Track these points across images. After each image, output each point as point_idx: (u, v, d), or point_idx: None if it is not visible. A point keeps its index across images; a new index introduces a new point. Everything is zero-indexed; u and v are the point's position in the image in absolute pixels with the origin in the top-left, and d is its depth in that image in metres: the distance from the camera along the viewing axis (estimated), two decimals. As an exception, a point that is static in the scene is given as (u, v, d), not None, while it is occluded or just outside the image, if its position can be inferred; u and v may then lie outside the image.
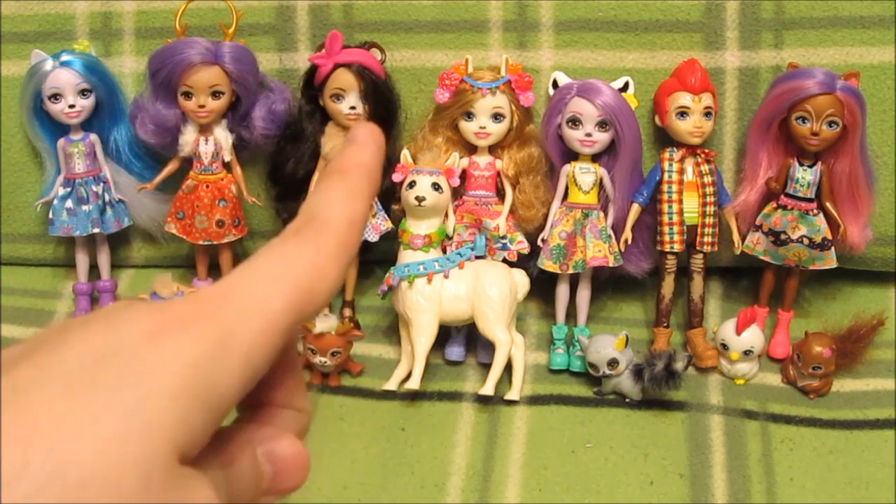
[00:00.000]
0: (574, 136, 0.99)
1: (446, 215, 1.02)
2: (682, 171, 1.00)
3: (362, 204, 0.34)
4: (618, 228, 1.02)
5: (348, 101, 1.00)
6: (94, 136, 1.06)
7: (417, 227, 0.99)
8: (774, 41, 1.02)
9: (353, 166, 0.35)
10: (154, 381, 0.26)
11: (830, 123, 0.94)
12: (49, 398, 0.25)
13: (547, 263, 1.02)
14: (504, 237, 1.03)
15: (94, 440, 0.24)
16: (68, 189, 1.06)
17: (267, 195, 1.09)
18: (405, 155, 1.00)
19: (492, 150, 1.03)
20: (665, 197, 1.01)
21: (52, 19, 1.09)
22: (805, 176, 0.98)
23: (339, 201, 0.33)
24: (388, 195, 1.05)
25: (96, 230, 1.07)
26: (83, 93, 1.03)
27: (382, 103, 1.02)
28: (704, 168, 1.00)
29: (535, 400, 0.97)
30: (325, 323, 0.97)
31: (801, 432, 0.93)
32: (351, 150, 0.36)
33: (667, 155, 1.01)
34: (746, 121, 1.02)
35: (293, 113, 1.05)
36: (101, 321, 0.28)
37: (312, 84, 1.02)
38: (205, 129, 1.03)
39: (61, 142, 1.06)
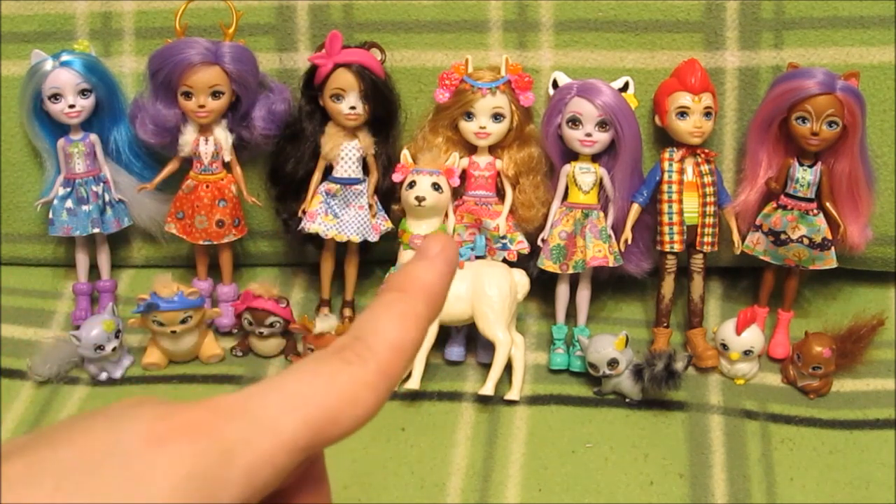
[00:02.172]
0: (574, 136, 0.99)
1: (446, 215, 1.02)
2: (682, 171, 1.00)
3: (416, 331, 0.32)
4: (618, 228, 1.02)
5: (348, 101, 1.00)
6: (94, 136, 1.06)
7: (417, 227, 0.99)
8: (774, 41, 1.02)
9: (414, 287, 0.32)
10: (148, 491, 0.25)
11: (830, 123, 0.94)
12: (37, 496, 0.24)
13: (547, 263, 1.02)
14: (504, 237, 1.03)
15: None
16: (68, 189, 1.06)
17: (267, 195, 1.09)
18: (405, 155, 1.00)
19: (492, 150, 1.03)
20: (665, 197, 1.01)
21: (52, 19, 1.09)
22: (805, 176, 0.98)
23: (389, 324, 0.31)
24: (388, 195, 1.05)
25: (96, 230, 1.07)
26: (83, 93, 1.03)
27: (382, 103, 1.02)
28: (704, 168, 1.00)
29: (535, 400, 0.97)
30: (325, 323, 0.97)
31: (801, 432, 0.93)
32: (416, 267, 0.33)
33: (667, 155, 1.01)
34: (746, 121, 1.02)
35: (293, 113, 1.05)
36: (106, 420, 0.27)
37: (312, 84, 1.02)
38: (205, 129, 1.03)
39: (61, 142, 1.05)
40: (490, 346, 0.98)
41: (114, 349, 1.00)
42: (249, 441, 0.27)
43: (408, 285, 0.32)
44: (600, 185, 1.02)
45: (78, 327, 1.03)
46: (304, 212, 1.04)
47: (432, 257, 0.33)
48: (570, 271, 1.02)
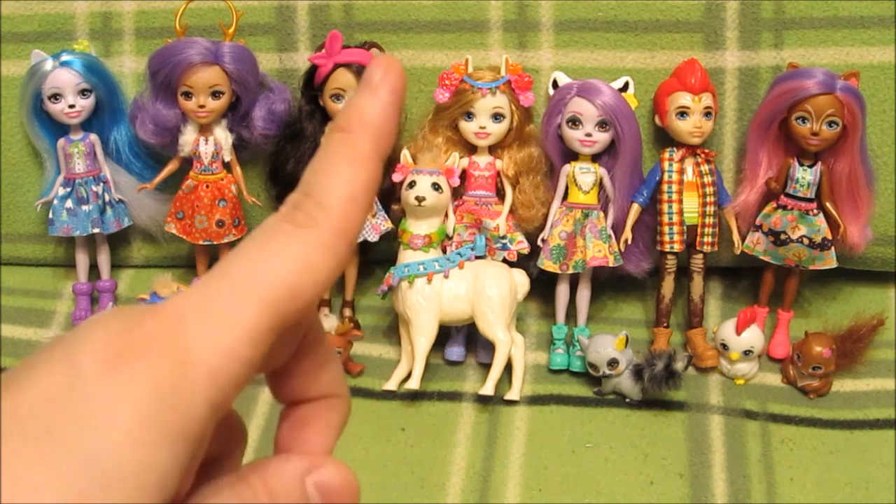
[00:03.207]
0: (574, 136, 0.99)
1: (446, 215, 1.02)
2: (682, 171, 1.00)
3: (367, 174, 0.28)
4: (618, 228, 1.02)
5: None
6: (94, 136, 1.06)
7: (417, 227, 0.99)
8: (774, 41, 1.02)
9: (359, 124, 0.29)
10: (109, 422, 0.23)
11: (830, 123, 0.94)
12: (8, 452, 0.23)
13: (547, 263, 1.02)
14: (504, 237, 1.03)
15: (57, 501, 0.22)
16: (68, 189, 1.06)
17: (267, 195, 1.09)
18: (405, 155, 1.00)
19: (492, 150, 1.03)
20: (665, 197, 1.01)
21: (52, 19, 1.09)
22: (805, 176, 0.98)
23: (338, 174, 0.28)
24: (388, 195, 1.05)
25: (96, 230, 1.07)
26: (83, 93, 1.03)
27: (382, 103, 1.01)
28: (704, 168, 1.00)
29: (535, 400, 0.97)
30: (325, 323, 0.97)
31: (801, 432, 0.93)
32: (358, 101, 0.29)
33: (667, 155, 1.01)
34: (746, 121, 1.02)
35: (293, 113, 1.05)
36: (60, 352, 0.25)
37: (312, 84, 1.02)
38: (205, 129, 1.03)
39: (61, 142, 1.05)
40: (490, 346, 0.98)
41: (114, 349, 0.99)
42: (206, 343, 0.25)
43: (352, 123, 0.29)
44: (600, 185, 1.02)
45: (78, 327, 1.03)
46: (304, 212, 1.04)
47: (374, 86, 0.29)
48: (570, 271, 1.02)
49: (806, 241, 0.99)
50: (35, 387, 0.24)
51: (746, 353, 0.98)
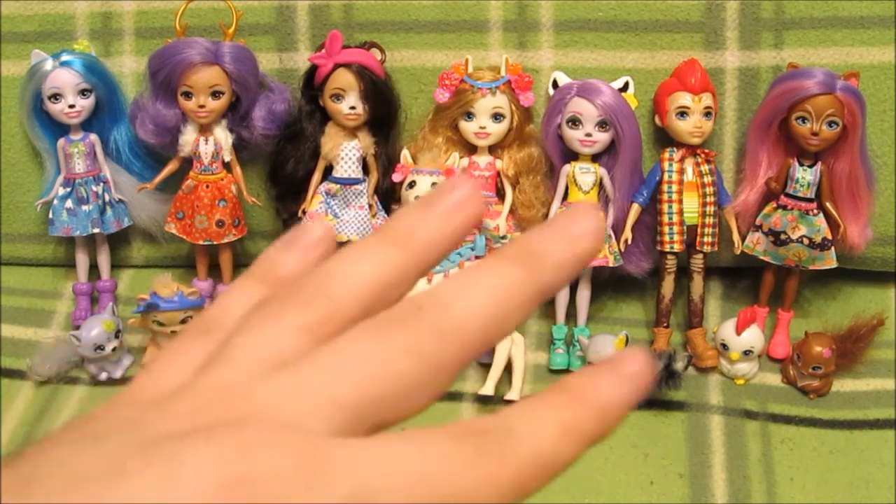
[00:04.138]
0: (574, 136, 0.99)
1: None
2: (682, 171, 1.00)
3: (571, 451, 0.25)
4: (618, 228, 1.02)
5: (348, 101, 1.00)
6: (94, 136, 1.06)
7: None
8: (774, 41, 1.02)
9: (592, 401, 0.25)
10: None
11: (830, 123, 0.94)
12: None
13: (547, 263, 1.01)
14: (504, 237, 1.03)
15: None
16: (68, 189, 1.06)
17: (267, 195, 1.09)
18: (405, 155, 1.00)
19: (492, 150, 1.03)
20: (665, 197, 1.01)
21: (52, 19, 1.09)
22: (805, 176, 0.98)
23: (547, 430, 0.24)
24: (388, 195, 1.05)
25: (96, 230, 1.07)
26: (83, 93, 1.03)
27: (382, 103, 1.02)
28: (704, 168, 1.00)
29: (535, 400, 0.97)
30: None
31: (801, 432, 0.93)
32: (602, 381, 0.25)
33: (667, 155, 1.01)
34: (746, 121, 1.02)
35: (293, 113, 1.05)
36: (161, 457, 0.21)
37: (312, 84, 1.02)
38: (205, 129, 1.03)
39: (61, 142, 1.05)
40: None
41: (114, 349, 1.00)
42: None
43: (585, 396, 0.25)
44: (600, 185, 1.02)
45: (78, 327, 1.03)
46: (304, 212, 1.04)
47: (628, 375, 0.25)
48: (570, 271, 1.02)
49: (806, 241, 0.99)
50: (122, 491, 0.21)
51: (746, 353, 0.98)
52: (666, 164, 1.01)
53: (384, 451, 0.22)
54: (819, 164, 0.98)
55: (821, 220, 0.99)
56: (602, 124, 0.99)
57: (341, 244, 0.28)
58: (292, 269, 0.28)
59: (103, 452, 0.22)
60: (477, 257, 1.00)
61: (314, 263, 0.28)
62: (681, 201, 1.01)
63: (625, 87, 1.00)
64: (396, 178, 1.00)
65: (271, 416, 0.23)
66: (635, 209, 1.01)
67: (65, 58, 1.03)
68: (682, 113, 0.98)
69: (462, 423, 0.24)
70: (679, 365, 0.93)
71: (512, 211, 1.03)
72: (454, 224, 0.27)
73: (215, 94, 1.00)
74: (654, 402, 0.96)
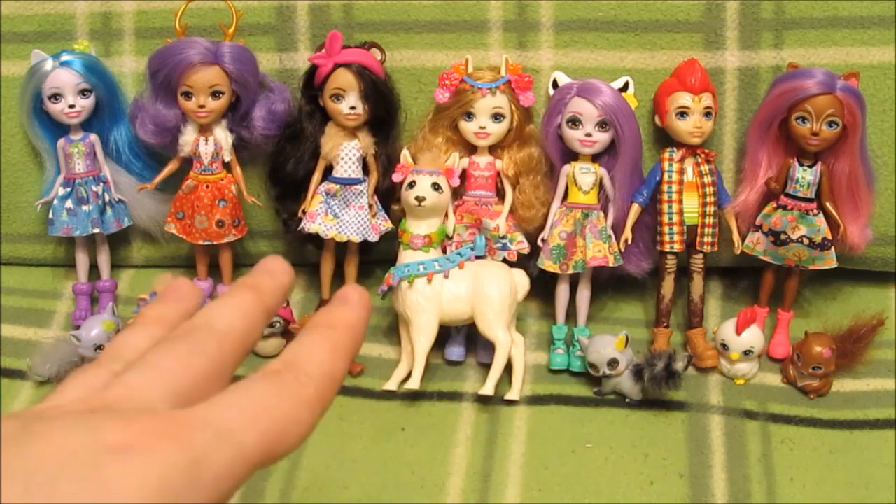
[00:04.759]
0: (574, 136, 0.99)
1: (446, 215, 1.02)
2: (682, 171, 1.00)
3: (344, 362, 0.34)
4: (618, 228, 1.02)
5: (348, 101, 1.00)
6: (94, 136, 1.06)
7: (417, 227, 0.99)
8: (774, 41, 1.02)
9: (341, 324, 0.36)
10: (114, 496, 0.25)
11: (830, 123, 0.94)
12: (8, 495, 0.25)
13: (547, 263, 1.02)
14: (504, 237, 1.03)
15: None
16: (68, 189, 1.06)
17: (267, 195, 1.09)
18: (405, 155, 1.00)
19: (492, 150, 1.03)
20: (665, 197, 1.01)
21: (52, 19, 1.09)
22: (805, 176, 0.98)
23: (324, 354, 0.34)
24: (388, 195, 1.05)
25: (96, 230, 1.07)
26: (83, 93, 1.03)
27: (382, 103, 1.02)
28: (704, 168, 1.00)
29: (535, 400, 0.97)
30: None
31: (801, 432, 0.93)
32: (342, 310, 0.36)
33: (667, 155, 1.01)
34: (746, 121, 1.02)
35: (293, 113, 1.05)
36: (71, 422, 0.27)
37: (312, 84, 1.02)
38: (205, 129, 1.03)
39: (61, 142, 1.06)
40: (490, 346, 0.98)
41: (114, 349, 0.99)
42: (216, 451, 0.28)
43: (336, 323, 0.36)
44: (600, 185, 1.02)
45: (78, 327, 1.03)
46: (304, 212, 1.04)
47: (354, 304, 0.37)
48: (570, 271, 1.02)
49: (806, 241, 0.99)
50: (41, 446, 0.26)
51: (746, 353, 0.98)
52: (666, 164, 1.01)
53: (225, 403, 0.30)
54: (819, 164, 0.98)
55: (821, 220, 0.99)
56: (602, 124, 0.99)
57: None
58: (170, 316, 0.37)
59: (9, 423, 0.28)
60: (477, 257, 1.00)
61: (187, 311, 0.37)
62: (681, 201, 1.01)
63: (625, 87, 1.00)
64: (396, 178, 1.00)
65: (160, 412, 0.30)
66: (635, 209, 1.01)
67: (65, 58, 1.03)
68: (682, 113, 0.98)
69: (261, 369, 0.33)
70: (679, 365, 0.93)
71: (512, 211, 1.03)
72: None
73: (215, 94, 1.00)
74: (654, 402, 0.96)
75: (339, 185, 1.03)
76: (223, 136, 1.04)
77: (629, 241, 1.01)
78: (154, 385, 0.31)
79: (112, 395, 0.30)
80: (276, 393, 0.31)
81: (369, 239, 1.04)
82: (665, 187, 1.01)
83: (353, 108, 1.00)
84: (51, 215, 1.07)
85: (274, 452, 0.30)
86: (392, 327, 1.06)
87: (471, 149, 1.03)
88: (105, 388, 0.31)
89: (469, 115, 1.01)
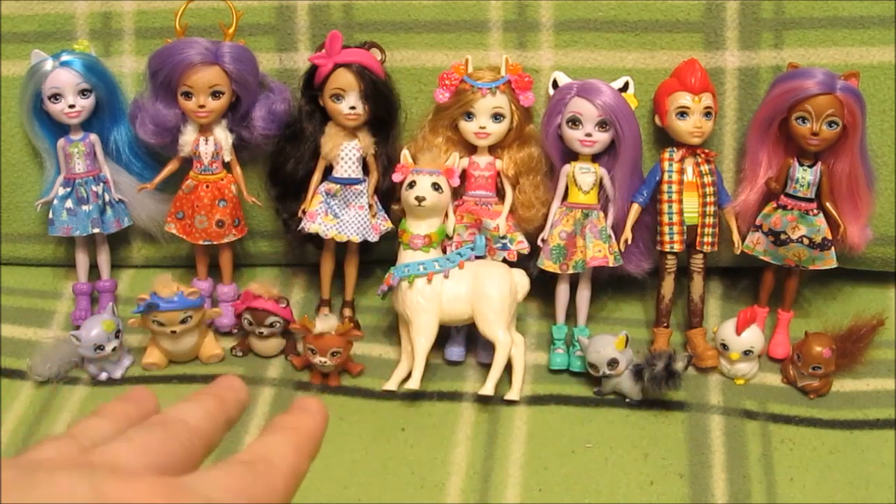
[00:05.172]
0: (574, 136, 0.99)
1: (446, 215, 1.02)
2: (682, 171, 1.00)
3: (306, 463, 0.37)
4: (618, 228, 1.02)
5: (348, 101, 1.00)
6: (94, 136, 1.06)
7: (417, 227, 0.99)
8: (774, 41, 1.02)
9: (303, 428, 0.39)
10: None
11: (830, 123, 0.94)
12: None
13: (547, 263, 1.02)
14: (504, 237, 1.03)
15: None
16: (68, 189, 1.06)
17: (267, 195, 1.09)
18: (405, 155, 1.00)
19: (492, 150, 1.03)
20: (665, 197, 1.01)
21: (52, 19, 1.09)
22: (805, 176, 0.98)
23: (287, 452, 0.37)
24: (388, 195, 1.05)
25: (96, 230, 1.07)
26: (83, 93, 1.03)
27: (382, 103, 1.02)
28: (704, 168, 1.00)
29: (535, 400, 0.97)
30: (326, 323, 0.97)
31: (801, 432, 0.93)
32: (303, 416, 0.39)
33: (667, 155, 1.01)
34: (746, 121, 1.02)
35: (293, 113, 1.05)
36: (72, 473, 0.29)
37: (312, 84, 1.02)
38: (205, 129, 1.03)
39: (61, 142, 1.06)
40: (490, 346, 0.98)
41: (114, 349, 1.00)
42: None
43: (298, 426, 0.39)
44: (600, 185, 1.02)
45: (78, 327, 1.03)
46: (304, 212, 1.04)
47: (315, 412, 0.40)
48: (570, 271, 1.02)
49: (806, 241, 0.99)
50: (55, 493, 0.28)
51: (746, 353, 0.98)
52: (666, 164, 1.01)
53: (209, 478, 0.33)
54: (819, 164, 0.98)
55: (821, 220, 0.99)
56: (602, 124, 0.99)
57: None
58: (134, 414, 0.39)
59: (8, 472, 0.30)
60: (477, 257, 1.00)
61: (147, 415, 0.39)
62: (681, 201, 1.01)
63: (625, 87, 1.00)
64: (396, 178, 1.00)
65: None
66: (635, 209, 1.01)
67: (65, 58, 1.03)
68: (682, 113, 0.98)
69: (231, 459, 0.35)
70: (679, 365, 0.93)
71: (512, 211, 1.03)
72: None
73: (215, 94, 1.00)
74: (654, 402, 0.96)
75: (339, 185, 1.03)
76: (223, 136, 1.04)
77: (629, 241, 1.01)
78: (137, 456, 0.33)
79: (98, 457, 0.32)
80: (251, 478, 0.34)
81: (369, 239, 1.04)
82: (665, 187, 1.01)
83: (353, 108, 1.00)
84: (51, 215, 1.07)
85: None
86: (392, 327, 1.06)
87: (471, 149, 1.03)
88: (87, 452, 0.33)
89: (469, 115, 1.01)
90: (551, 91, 1.01)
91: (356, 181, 1.03)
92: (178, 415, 0.37)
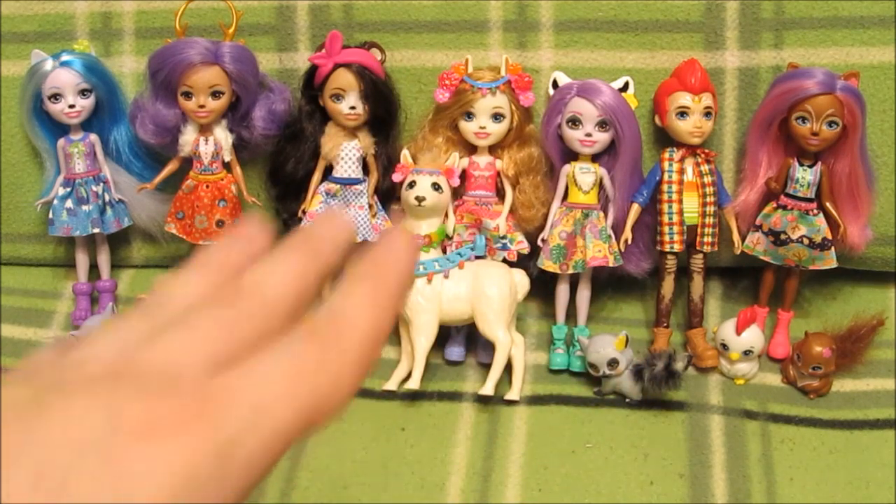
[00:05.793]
0: (574, 136, 0.99)
1: (446, 215, 1.02)
2: (682, 171, 1.00)
3: (389, 317, 0.31)
4: (618, 228, 1.02)
5: (348, 101, 1.00)
6: (94, 136, 1.06)
7: (417, 227, 0.99)
8: (774, 41, 1.02)
9: (388, 271, 0.32)
10: (134, 492, 0.23)
11: (830, 123, 0.94)
12: (15, 491, 0.22)
13: (547, 263, 1.02)
14: (504, 237, 1.03)
15: None
16: (68, 189, 1.06)
17: (267, 195, 1.09)
18: (405, 155, 1.00)
19: (492, 150, 1.03)
20: (665, 197, 1.01)
21: (52, 19, 1.09)
22: (805, 176, 0.98)
23: (366, 309, 0.30)
24: (388, 195, 1.05)
25: (96, 230, 1.07)
26: (83, 93, 1.03)
27: (382, 103, 1.02)
28: (704, 168, 1.00)
29: (535, 400, 0.97)
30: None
31: (801, 432, 0.93)
32: (388, 254, 0.32)
33: (667, 155, 1.01)
34: (746, 121, 1.02)
35: (293, 113, 1.05)
36: (89, 398, 0.24)
37: (312, 84, 1.02)
38: (205, 129, 1.03)
39: (61, 142, 1.06)
40: (490, 346, 0.98)
41: (114, 349, 0.99)
42: (250, 431, 0.26)
43: (381, 266, 0.32)
44: (600, 185, 1.02)
45: (78, 327, 1.03)
46: (304, 212, 1.04)
47: (400, 248, 0.33)
48: (570, 271, 1.02)
49: (806, 241, 0.99)
50: (52, 429, 0.24)
51: (746, 353, 0.98)
52: (666, 164, 1.01)
53: (262, 372, 0.27)
54: (819, 164, 0.98)
55: (821, 220, 0.99)
56: (602, 124, 0.99)
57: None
58: (234, 261, 0.33)
59: (21, 392, 0.25)
60: (477, 257, 1.00)
61: (252, 258, 0.33)
62: (681, 201, 1.01)
63: (625, 87, 1.00)
64: (396, 178, 1.00)
65: (166, 370, 0.27)
66: (635, 209, 1.01)
67: (65, 58, 1.03)
68: (682, 113, 0.98)
69: (302, 326, 0.29)
70: (679, 365, 0.93)
71: (512, 211, 1.03)
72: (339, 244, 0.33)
73: (215, 94, 1.00)
74: (654, 402, 0.96)
75: (339, 186, 1.03)
76: (223, 136, 1.04)
77: (629, 241, 1.01)
78: (192, 349, 0.27)
79: (145, 357, 0.27)
80: (317, 357, 0.28)
81: (369, 239, 1.04)
82: (665, 187, 1.01)
83: (353, 108, 1.00)
84: (51, 215, 1.07)
85: (313, 426, 0.28)
86: (392, 327, 1.06)
87: (471, 149, 1.03)
88: (138, 347, 0.28)
89: (469, 115, 1.01)
90: (551, 91, 1.01)
91: (356, 181, 1.03)
92: (256, 285, 0.31)
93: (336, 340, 0.29)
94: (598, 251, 1.01)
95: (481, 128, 1.01)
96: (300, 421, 0.27)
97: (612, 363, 0.95)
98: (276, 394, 0.27)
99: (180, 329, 0.28)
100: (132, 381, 0.26)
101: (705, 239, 1.02)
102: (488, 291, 0.96)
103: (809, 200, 0.99)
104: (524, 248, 1.04)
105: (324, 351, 0.29)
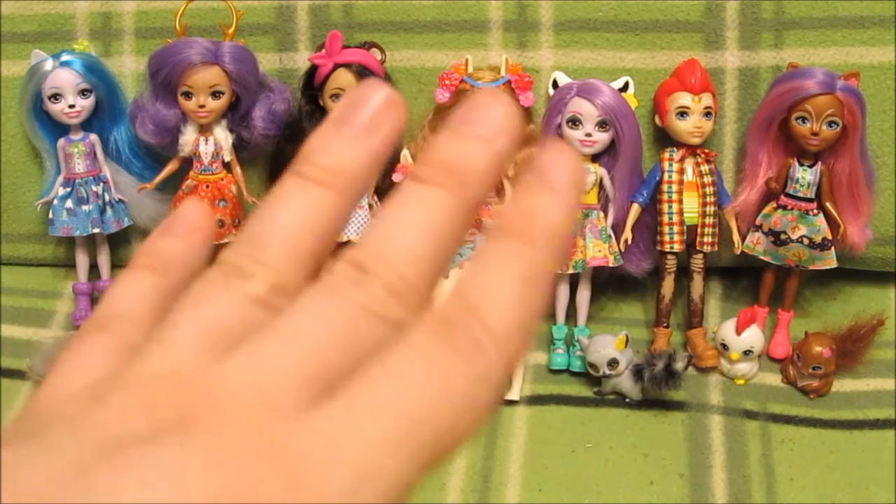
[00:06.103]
0: (574, 136, 0.99)
1: (446, 215, 1.02)
2: (682, 171, 1.00)
3: (543, 298, 0.22)
4: (618, 228, 1.02)
5: (348, 101, 1.00)
6: (94, 136, 1.06)
7: (417, 227, 0.99)
8: (774, 41, 1.02)
9: (539, 232, 0.23)
10: None
11: (830, 123, 0.94)
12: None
13: (547, 263, 1.01)
14: (504, 237, 1.03)
15: None
16: (68, 189, 1.06)
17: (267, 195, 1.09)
18: (405, 155, 1.00)
19: (492, 150, 1.03)
20: (665, 197, 1.01)
21: (52, 19, 1.09)
22: (805, 176, 0.98)
23: (512, 292, 0.22)
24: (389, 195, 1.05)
25: (96, 230, 1.07)
26: (83, 93, 1.03)
27: (382, 103, 1.02)
28: (704, 168, 1.00)
29: (535, 400, 0.97)
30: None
31: (801, 432, 0.93)
32: (541, 201, 0.23)
33: (667, 155, 1.01)
34: (746, 121, 1.02)
35: (293, 113, 1.05)
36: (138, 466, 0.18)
37: (312, 84, 1.02)
38: (205, 129, 1.03)
39: (61, 142, 1.06)
40: (490, 346, 0.98)
41: (114, 349, 1.00)
42: (355, 494, 0.19)
43: (531, 228, 0.23)
44: (600, 185, 1.02)
45: (78, 327, 1.03)
46: (304, 212, 1.04)
47: (562, 188, 0.23)
48: (570, 271, 1.02)
49: (806, 241, 0.99)
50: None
51: (746, 353, 0.98)
52: (666, 164, 1.01)
53: (366, 408, 0.19)
54: (819, 164, 0.98)
55: (821, 220, 0.99)
56: (602, 124, 0.99)
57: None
58: (179, 255, 0.26)
59: (57, 462, 0.18)
60: (477, 257, 1.00)
61: (198, 247, 0.26)
62: (681, 201, 1.01)
63: (625, 87, 1.00)
64: (396, 178, 1.00)
65: (237, 403, 0.20)
66: (635, 209, 1.01)
67: (65, 58, 1.03)
68: (682, 113, 0.98)
69: (430, 318, 0.22)
70: (679, 365, 0.93)
71: (512, 211, 1.03)
72: (377, 142, 0.25)
73: (215, 94, 1.00)
74: (654, 402, 0.96)
75: (339, 185, 1.03)
76: (223, 136, 1.04)
77: (629, 241, 1.01)
78: (282, 370, 0.20)
79: (207, 390, 0.20)
80: (440, 372, 0.20)
81: (369, 239, 1.04)
82: (665, 187, 1.01)
83: (353, 108, 1.00)
84: (51, 215, 1.07)
85: (436, 461, 0.21)
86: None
87: (471, 149, 1.03)
88: (200, 372, 0.20)
89: (469, 115, 1.01)
90: (551, 91, 1.01)
91: (356, 181, 1.03)
92: (380, 250, 0.24)
93: (472, 340, 0.22)
94: (598, 251, 1.01)
95: (481, 128, 1.01)
96: (411, 471, 0.20)
97: (612, 363, 0.95)
98: (378, 441, 0.19)
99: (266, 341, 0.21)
100: (186, 434, 0.19)
101: (705, 239, 1.02)
102: (488, 291, 0.96)
103: (809, 200, 0.99)
104: (524, 248, 1.03)
105: (455, 356, 0.21)
